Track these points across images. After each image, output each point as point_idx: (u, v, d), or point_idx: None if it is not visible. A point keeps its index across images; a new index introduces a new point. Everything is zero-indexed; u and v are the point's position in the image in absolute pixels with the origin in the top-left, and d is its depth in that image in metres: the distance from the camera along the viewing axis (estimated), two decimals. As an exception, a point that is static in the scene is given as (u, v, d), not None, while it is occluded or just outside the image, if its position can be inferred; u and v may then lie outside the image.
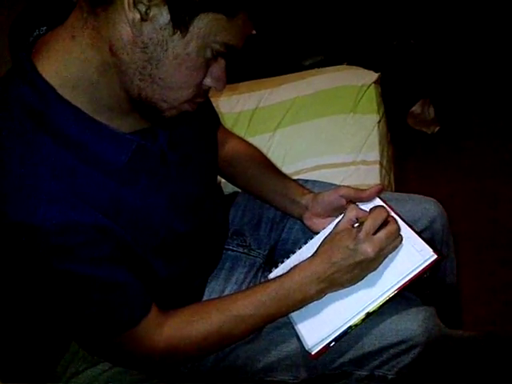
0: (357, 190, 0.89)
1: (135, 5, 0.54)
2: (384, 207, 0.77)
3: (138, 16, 0.55)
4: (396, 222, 0.75)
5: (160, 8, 0.54)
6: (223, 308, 0.75)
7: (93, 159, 0.62)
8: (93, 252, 0.63)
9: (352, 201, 0.89)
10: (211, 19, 0.56)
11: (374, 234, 0.72)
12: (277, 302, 0.74)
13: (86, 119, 0.62)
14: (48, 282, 0.64)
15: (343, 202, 0.89)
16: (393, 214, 0.82)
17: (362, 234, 0.72)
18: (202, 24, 0.56)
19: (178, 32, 0.56)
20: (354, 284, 0.76)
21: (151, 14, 0.55)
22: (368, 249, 0.71)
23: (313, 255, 0.76)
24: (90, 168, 0.62)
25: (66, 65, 0.60)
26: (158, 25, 0.56)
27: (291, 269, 0.77)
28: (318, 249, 0.77)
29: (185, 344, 0.74)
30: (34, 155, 0.58)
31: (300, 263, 0.76)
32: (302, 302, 0.76)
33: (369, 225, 0.72)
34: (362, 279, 0.75)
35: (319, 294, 0.75)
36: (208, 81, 0.64)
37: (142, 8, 0.54)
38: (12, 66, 0.63)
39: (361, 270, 0.73)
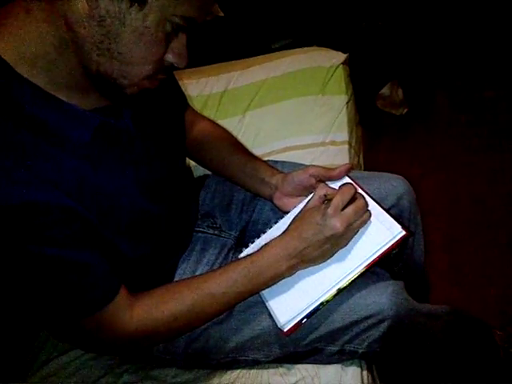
0: (326, 169, 0.89)
1: None
2: (352, 184, 0.78)
3: None
4: (364, 198, 0.76)
5: None
6: (194, 287, 0.74)
7: (55, 138, 0.61)
8: (57, 232, 0.62)
9: (321, 180, 0.89)
10: None
11: (343, 209, 0.73)
12: (248, 279, 0.75)
13: (45, 97, 0.60)
14: (12, 263, 0.62)
15: (313, 181, 0.89)
16: (361, 191, 0.83)
17: (330, 210, 0.73)
18: None
19: (136, 4, 0.55)
20: (325, 260, 0.76)
21: None
22: (337, 223, 0.72)
23: (283, 232, 0.77)
24: (53, 148, 0.60)
25: (22, 41, 0.58)
26: None
27: (262, 247, 0.77)
28: (288, 226, 0.77)
29: (156, 325, 0.73)
30: None
31: (271, 241, 0.77)
32: (273, 279, 0.76)
33: (337, 200, 0.73)
34: (332, 255, 0.76)
35: (290, 271, 0.76)
36: (169, 57, 0.63)
37: None
38: None
39: (331, 245, 0.74)
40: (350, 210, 0.73)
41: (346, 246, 0.76)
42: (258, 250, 0.77)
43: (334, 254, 0.76)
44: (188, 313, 0.73)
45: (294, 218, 0.78)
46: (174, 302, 0.73)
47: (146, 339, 0.76)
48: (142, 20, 0.56)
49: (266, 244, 0.77)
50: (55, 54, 0.59)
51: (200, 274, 0.82)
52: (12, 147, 0.57)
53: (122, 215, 0.71)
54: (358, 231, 0.76)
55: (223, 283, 0.74)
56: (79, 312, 0.68)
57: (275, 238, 0.77)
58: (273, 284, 0.78)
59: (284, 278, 0.77)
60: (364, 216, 0.75)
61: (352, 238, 0.76)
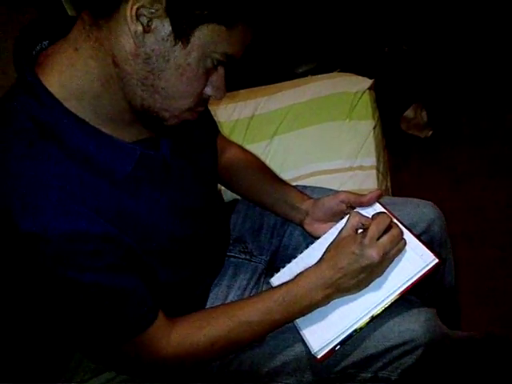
0: (356, 195, 0.90)
1: (137, 17, 0.55)
2: (385, 213, 0.79)
3: (140, 28, 0.56)
4: (399, 226, 0.77)
5: (162, 20, 0.56)
6: (231, 314, 0.76)
7: (98, 169, 0.63)
8: (100, 260, 0.64)
9: (352, 206, 0.90)
10: (211, 30, 0.58)
11: (379, 239, 0.74)
12: (284, 308, 0.76)
13: (91, 130, 0.63)
14: (57, 290, 0.65)
15: (343, 207, 0.90)
16: (393, 219, 0.84)
17: (366, 240, 0.73)
18: (202, 35, 0.58)
19: (180, 43, 0.57)
20: (361, 290, 0.77)
21: (153, 26, 0.56)
22: (373, 253, 0.72)
23: (318, 261, 0.78)
24: (96, 178, 0.63)
25: (70, 77, 0.61)
26: (159, 36, 0.57)
27: (297, 275, 0.78)
28: (323, 255, 0.78)
29: (193, 350, 0.74)
30: (41, 167, 0.59)
31: (306, 270, 0.78)
32: (308, 308, 0.77)
33: (373, 230, 0.74)
34: (368, 284, 0.77)
35: (325, 300, 0.77)
36: (208, 90, 0.66)
37: (144, 20, 0.55)
38: (17, 79, 0.64)
39: (367, 274, 0.75)
40: (385, 239, 0.74)
41: (381, 275, 0.76)
42: (293, 279, 0.78)
43: (369, 284, 0.77)
44: (224, 339, 0.75)
45: (328, 246, 0.79)
46: (210, 328, 0.74)
47: (182, 363, 0.77)
48: (185, 57, 0.59)
49: (300, 273, 0.78)
50: (101, 90, 0.62)
51: (236, 301, 0.84)
52: (58, 178, 0.60)
53: (158, 241, 0.73)
54: (393, 260, 0.76)
55: (259, 311, 0.76)
56: (119, 337, 0.70)
57: (310, 267, 0.77)
58: (308, 312, 0.78)
59: (319, 306, 0.78)
60: (399, 244, 0.76)
61: (387, 267, 0.76)
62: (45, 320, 0.82)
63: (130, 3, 0.54)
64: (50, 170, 0.60)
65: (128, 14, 0.55)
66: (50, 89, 0.61)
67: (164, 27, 0.56)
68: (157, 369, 0.77)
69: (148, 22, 0.55)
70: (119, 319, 0.69)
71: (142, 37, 0.57)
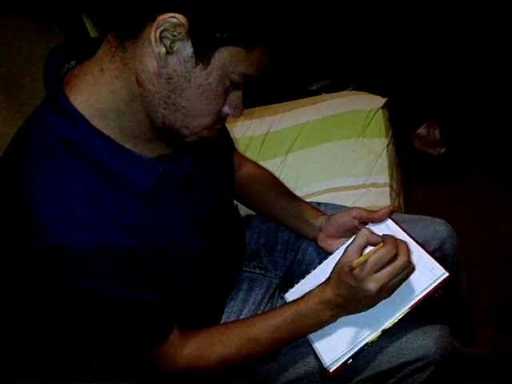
0: (369, 211, 0.92)
1: (161, 39, 0.57)
2: (395, 241, 0.75)
3: (163, 49, 0.58)
4: (407, 253, 0.74)
5: (184, 42, 0.58)
6: (241, 331, 0.78)
7: (121, 184, 0.66)
8: (122, 273, 0.66)
9: (364, 222, 0.92)
10: (231, 52, 0.60)
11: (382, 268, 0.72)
12: (292, 326, 0.78)
13: (115, 147, 0.65)
14: (78, 301, 0.67)
15: (356, 223, 0.92)
16: (404, 233, 0.85)
17: (363, 273, 0.71)
18: (222, 56, 0.60)
19: (201, 64, 0.60)
20: (369, 309, 0.77)
21: (176, 48, 0.58)
22: (370, 285, 0.71)
23: (324, 282, 0.78)
24: (119, 192, 0.66)
25: (96, 96, 0.64)
26: (182, 57, 0.59)
27: (306, 294, 0.79)
28: (329, 276, 0.78)
29: (204, 364, 0.77)
30: (68, 182, 0.62)
31: (314, 289, 0.79)
32: (317, 326, 0.79)
33: (371, 264, 0.71)
34: (375, 305, 0.77)
35: (333, 318, 0.78)
36: (226, 108, 0.68)
37: (168, 42, 0.58)
38: (45, 98, 0.67)
39: (368, 301, 0.75)
40: (385, 272, 0.71)
41: (388, 297, 0.75)
42: (302, 297, 0.79)
43: (377, 304, 0.76)
44: (235, 355, 0.77)
45: (334, 266, 0.78)
46: (221, 344, 0.77)
47: (195, 376, 0.79)
48: (206, 78, 0.61)
49: (310, 291, 0.79)
50: (125, 108, 0.65)
51: (247, 318, 0.85)
52: (84, 192, 0.62)
53: (178, 254, 0.75)
54: (398, 287, 0.74)
55: (268, 329, 0.77)
56: (134, 349, 0.72)
57: (318, 287, 0.78)
58: (317, 330, 0.80)
59: (328, 324, 0.79)
60: (402, 274, 0.73)
61: (392, 294, 0.75)
62: (62, 331, 0.84)
63: (154, 26, 0.57)
64: (76, 185, 0.62)
65: (152, 36, 0.57)
66: (77, 107, 0.63)
67: (186, 49, 0.59)
68: (169, 379, 0.79)
69: (171, 43, 0.58)
70: (135, 332, 0.71)
71: (164, 58, 0.59)
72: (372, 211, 0.92)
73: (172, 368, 0.75)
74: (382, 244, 0.73)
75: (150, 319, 0.72)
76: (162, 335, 0.73)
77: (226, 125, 0.98)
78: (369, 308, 0.77)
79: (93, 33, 1.60)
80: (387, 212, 0.90)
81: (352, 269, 0.72)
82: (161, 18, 0.56)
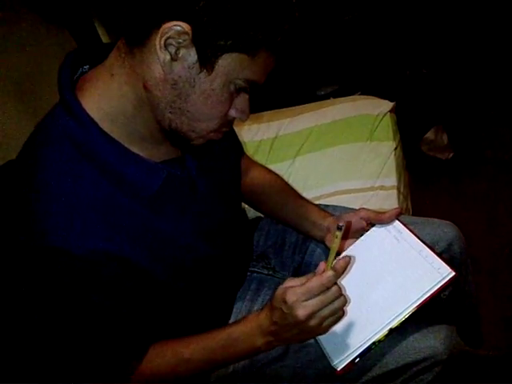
0: (376, 212, 0.93)
1: (166, 46, 0.59)
2: (329, 273, 0.70)
3: (168, 56, 0.60)
4: (338, 287, 0.71)
5: (188, 49, 0.60)
6: (176, 351, 0.78)
7: (127, 187, 0.67)
8: (112, 285, 0.68)
9: (371, 223, 0.93)
10: (234, 58, 0.61)
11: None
12: (225, 349, 0.77)
13: (122, 150, 0.67)
14: (66, 305, 0.69)
15: (363, 224, 0.93)
16: (411, 234, 0.86)
17: (290, 300, 0.69)
18: (226, 63, 0.61)
19: (205, 70, 0.61)
20: (304, 340, 0.77)
21: (180, 55, 0.60)
22: (298, 313, 0.69)
23: (262, 308, 0.77)
24: (124, 195, 0.67)
25: (106, 100, 0.66)
26: (186, 64, 0.61)
27: (242, 318, 0.79)
28: (267, 302, 0.78)
29: (157, 374, 0.78)
30: (76, 185, 0.64)
31: (249, 315, 0.78)
32: (249, 352, 0.78)
33: (302, 290, 0.69)
34: (310, 337, 0.77)
35: (267, 346, 0.76)
36: (233, 112, 0.69)
37: (172, 49, 0.59)
38: (59, 101, 0.69)
39: (300, 330, 0.71)
40: (315, 300, 0.69)
41: (323, 332, 0.73)
42: (237, 321, 0.79)
43: (311, 337, 0.77)
44: (172, 372, 0.78)
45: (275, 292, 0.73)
46: (160, 362, 0.77)
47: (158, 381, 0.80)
48: (210, 83, 0.62)
49: (245, 317, 0.78)
50: (134, 111, 0.66)
51: (184, 338, 0.81)
52: (90, 196, 0.64)
53: (183, 258, 0.76)
54: (329, 319, 0.72)
55: (202, 350, 0.77)
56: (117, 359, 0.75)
57: (254, 313, 0.78)
58: (252, 356, 0.80)
59: (261, 352, 0.78)
60: (333, 304, 0.70)
61: (327, 325, 0.72)
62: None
63: (159, 34, 0.58)
64: (84, 188, 0.64)
65: (157, 43, 0.59)
66: (87, 111, 0.65)
67: (190, 56, 0.60)
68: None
69: (176, 50, 0.59)
70: (110, 345, 0.74)
71: (169, 64, 0.60)
72: (380, 212, 0.92)
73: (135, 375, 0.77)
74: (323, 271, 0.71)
75: (129, 334, 0.74)
76: (133, 358, 0.76)
77: (234, 128, 1.00)
78: (303, 339, 0.76)
79: (104, 39, 1.64)
80: (394, 214, 0.91)
81: (286, 289, 0.70)
82: (165, 26, 0.57)
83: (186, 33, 0.58)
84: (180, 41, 0.58)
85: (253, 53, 0.61)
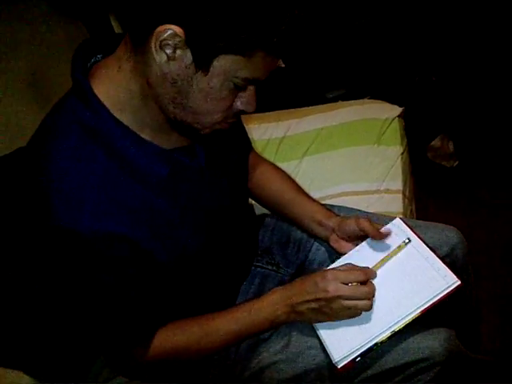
0: (374, 228, 0.90)
1: (162, 48, 0.60)
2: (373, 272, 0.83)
3: (164, 57, 0.61)
4: (373, 289, 0.79)
5: (183, 50, 0.60)
6: (202, 323, 0.81)
7: (137, 172, 0.69)
8: (120, 266, 0.70)
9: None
10: (230, 59, 0.62)
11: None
12: (249, 318, 0.80)
13: (133, 136, 0.69)
14: (76, 285, 0.70)
15: (361, 233, 0.93)
16: (416, 237, 0.87)
17: (331, 276, 0.77)
18: (221, 63, 0.62)
19: (200, 71, 0.62)
20: (312, 323, 0.83)
21: (177, 55, 0.61)
22: (329, 287, 0.76)
23: (291, 281, 0.82)
24: (134, 180, 0.68)
25: (114, 91, 0.68)
26: (183, 64, 0.62)
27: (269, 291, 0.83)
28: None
29: (168, 354, 0.80)
30: (85, 167, 0.65)
31: (277, 287, 0.83)
32: (271, 323, 0.81)
33: (341, 273, 0.78)
34: (317, 321, 0.82)
35: (286, 318, 0.81)
36: (238, 104, 0.70)
37: (169, 50, 0.60)
38: (71, 88, 0.71)
39: (318, 306, 0.77)
40: (348, 287, 0.77)
41: (334, 319, 0.80)
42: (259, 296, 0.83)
43: (323, 320, 0.81)
44: (197, 345, 0.80)
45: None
46: (183, 335, 0.80)
47: (162, 365, 0.83)
48: (207, 82, 0.63)
49: (272, 289, 0.83)
50: (141, 104, 0.68)
51: (210, 313, 0.84)
52: (99, 179, 0.65)
53: (190, 246, 0.77)
54: (348, 309, 0.77)
55: (227, 321, 0.80)
56: (116, 342, 0.77)
57: (281, 286, 0.82)
58: (272, 328, 0.84)
59: (282, 323, 0.83)
60: (360, 302, 0.77)
61: (342, 314, 0.78)
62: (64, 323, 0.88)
63: (154, 36, 0.59)
64: (93, 170, 0.65)
65: (152, 45, 0.60)
66: (99, 97, 0.67)
67: (186, 56, 0.61)
68: (141, 370, 0.83)
69: (173, 51, 0.60)
70: (118, 326, 0.75)
71: (166, 64, 0.62)
72: (378, 231, 0.89)
73: (141, 358, 0.79)
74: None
75: (137, 316, 0.76)
76: (139, 338, 0.77)
77: (244, 125, 1.02)
78: (315, 318, 0.81)
79: (116, 25, 1.65)
80: (385, 235, 0.90)
81: (329, 270, 0.78)
82: (158, 29, 0.58)
83: (179, 36, 0.58)
84: (176, 42, 0.59)
85: (249, 54, 0.61)
